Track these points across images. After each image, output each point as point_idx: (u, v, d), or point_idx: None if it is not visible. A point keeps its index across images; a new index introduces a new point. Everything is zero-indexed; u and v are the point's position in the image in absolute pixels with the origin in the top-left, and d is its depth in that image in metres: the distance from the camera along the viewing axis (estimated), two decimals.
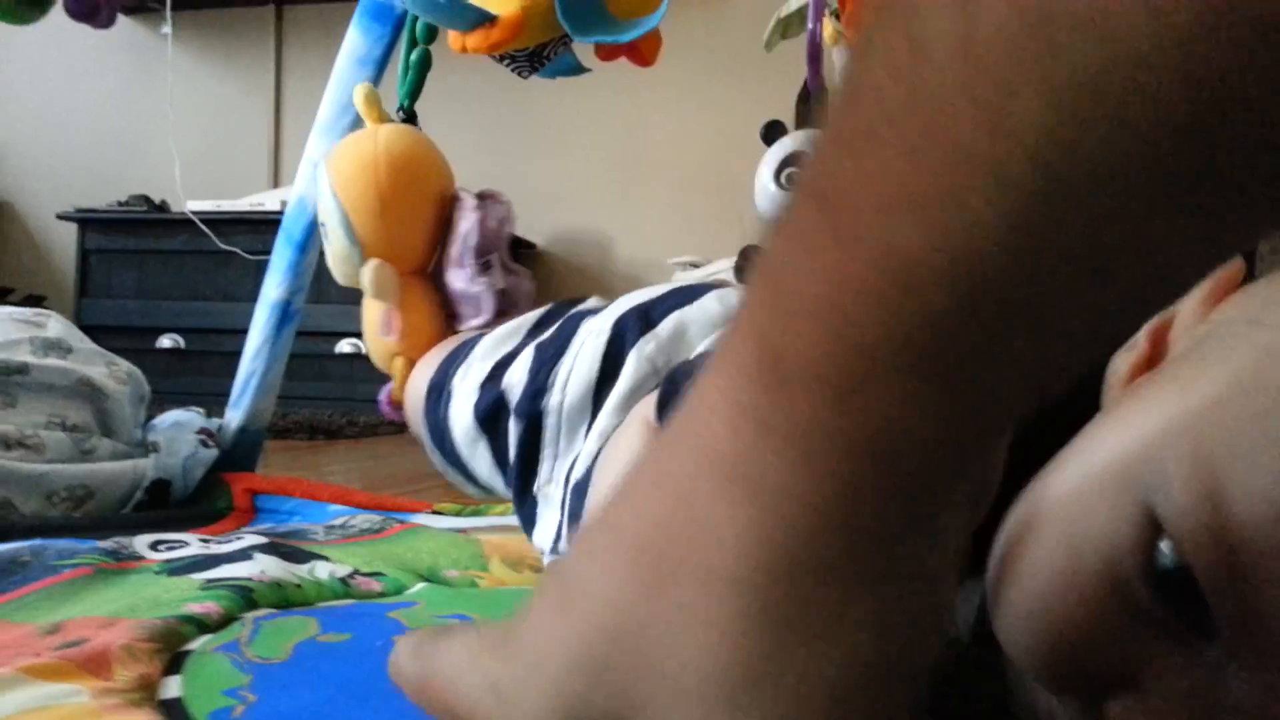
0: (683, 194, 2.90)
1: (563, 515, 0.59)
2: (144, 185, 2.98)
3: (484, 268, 0.84)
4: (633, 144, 2.96)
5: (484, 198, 0.87)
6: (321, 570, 0.71)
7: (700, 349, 0.58)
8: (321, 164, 0.88)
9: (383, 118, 0.89)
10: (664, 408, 0.45)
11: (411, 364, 0.84)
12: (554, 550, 0.60)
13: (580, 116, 2.95)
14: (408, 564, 0.76)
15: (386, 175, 0.84)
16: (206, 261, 2.81)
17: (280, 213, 2.74)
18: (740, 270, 0.89)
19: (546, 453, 0.62)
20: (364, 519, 0.91)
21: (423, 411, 0.73)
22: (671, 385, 0.46)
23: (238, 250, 2.71)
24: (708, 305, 0.61)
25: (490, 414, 0.66)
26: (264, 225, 2.72)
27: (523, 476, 0.63)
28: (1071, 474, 0.28)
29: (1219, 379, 0.25)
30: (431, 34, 0.92)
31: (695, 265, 2.45)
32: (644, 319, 0.61)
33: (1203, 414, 0.24)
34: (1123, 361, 0.32)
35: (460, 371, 0.71)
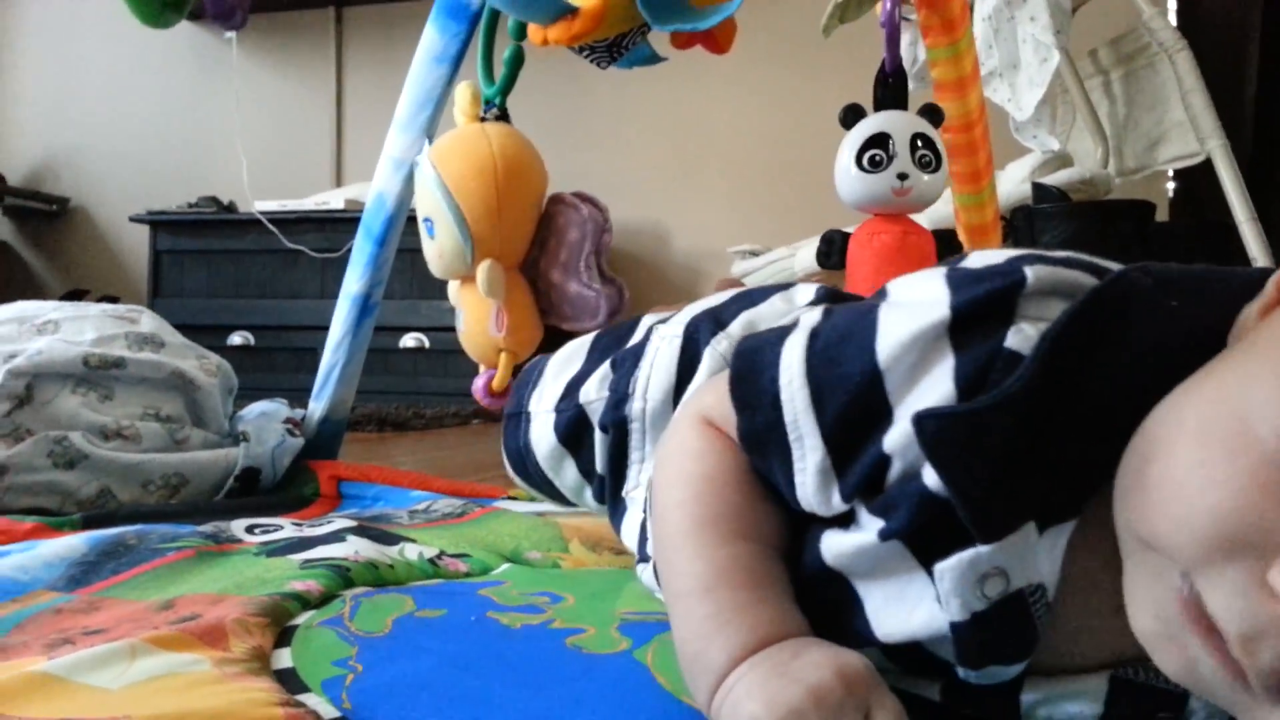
0: (740, 182, 2.90)
1: (646, 514, 0.60)
2: (212, 187, 3.06)
3: (590, 272, 0.86)
4: (688, 133, 2.96)
5: (585, 201, 0.89)
6: (410, 551, 0.74)
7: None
8: (425, 161, 0.90)
9: (479, 116, 0.91)
10: (738, 384, 0.46)
11: (515, 357, 0.87)
12: (640, 547, 0.61)
13: (635, 107, 2.96)
14: (491, 546, 0.78)
15: (504, 176, 0.87)
16: (274, 260, 2.88)
17: (345, 211, 2.81)
18: (824, 255, 0.89)
19: (634, 457, 0.63)
20: (445, 503, 0.93)
21: (503, 439, 0.75)
22: (741, 362, 0.47)
23: (304, 248, 2.77)
24: (775, 304, 0.62)
25: (572, 431, 0.67)
26: (329, 224, 2.78)
27: (614, 483, 0.64)
28: (1221, 387, 0.34)
29: None
30: (523, 30, 0.93)
31: (754, 254, 2.45)
32: (715, 320, 0.62)
33: None
34: (1253, 309, 0.37)
35: (535, 395, 0.72)
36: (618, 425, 0.63)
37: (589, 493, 0.69)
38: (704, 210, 2.94)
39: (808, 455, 0.43)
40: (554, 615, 0.60)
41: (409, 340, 2.73)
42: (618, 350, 0.68)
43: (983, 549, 0.38)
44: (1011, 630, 0.40)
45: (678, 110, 2.95)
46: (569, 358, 0.73)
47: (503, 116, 0.96)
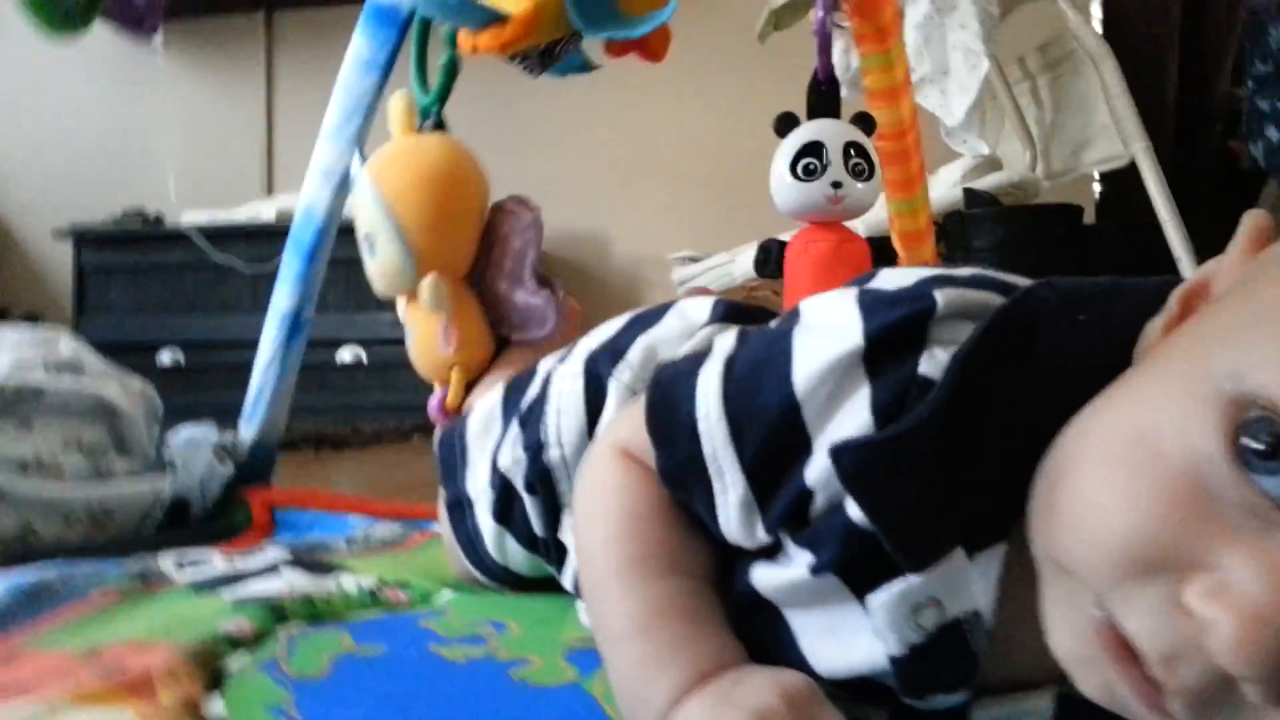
0: (679, 189, 2.90)
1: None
2: (138, 197, 2.97)
3: (535, 280, 0.85)
4: (627, 140, 2.96)
5: (522, 204, 0.87)
6: (348, 583, 0.72)
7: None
8: (362, 175, 0.88)
9: (414, 127, 0.89)
10: (655, 418, 0.45)
11: (467, 372, 0.85)
12: (573, 589, 0.60)
13: (573, 113, 2.95)
14: (432, 573, 0.76)
15: (444, 189, 0.85)
16: (204, 274, 2.81)
17: (277, 224, 2.75)
18: (761, 264, 0.89)
19: (565, 502, 0.61)
20: (384, 529, 0.91)
21: (451, 533, 0.72)
22: (657, 393, 0.46)
23: (235, 262, 2.70)
24: (671, 324, 0.61)
25: (503, 506, 0.65)
26: (261, 236, 2.71)
27: (551, 528, 0.63)
28: (1126, 405, 0.34)
29: (1274, 289, 0.31)
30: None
31: (694, 259, 2.46)
32: (613, 352, 0.61)
33: (1272, 303, 0.30)
34: (1156, 324, 0.37)
35: (469, 477, 0.70)
36: (542, 480, 0.61)
37: (543, 560, 0.66)
38: (644, 217, 2.94)
39: (729, 489, 0.42)
40: (498, 646, 0.59)
41: (345, 354, 2.68)
42: (521, 404, 0.66)
43: (914, 579, 0.38)
44: (950, 660, 0.40)
45: (616, 117, 2.94)
46: (486, 425, 0.70)
47: (439, 126, 0.94)
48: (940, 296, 0.39)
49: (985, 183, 1.97)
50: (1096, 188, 2.40)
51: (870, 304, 0.40)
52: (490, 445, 0.68)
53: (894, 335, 0.39)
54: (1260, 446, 0.29)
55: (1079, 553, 0.33)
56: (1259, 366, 0.29)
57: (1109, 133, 1.87)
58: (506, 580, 0.71)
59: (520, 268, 0.86)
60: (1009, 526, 0.38)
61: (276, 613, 0.64)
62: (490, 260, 0.88)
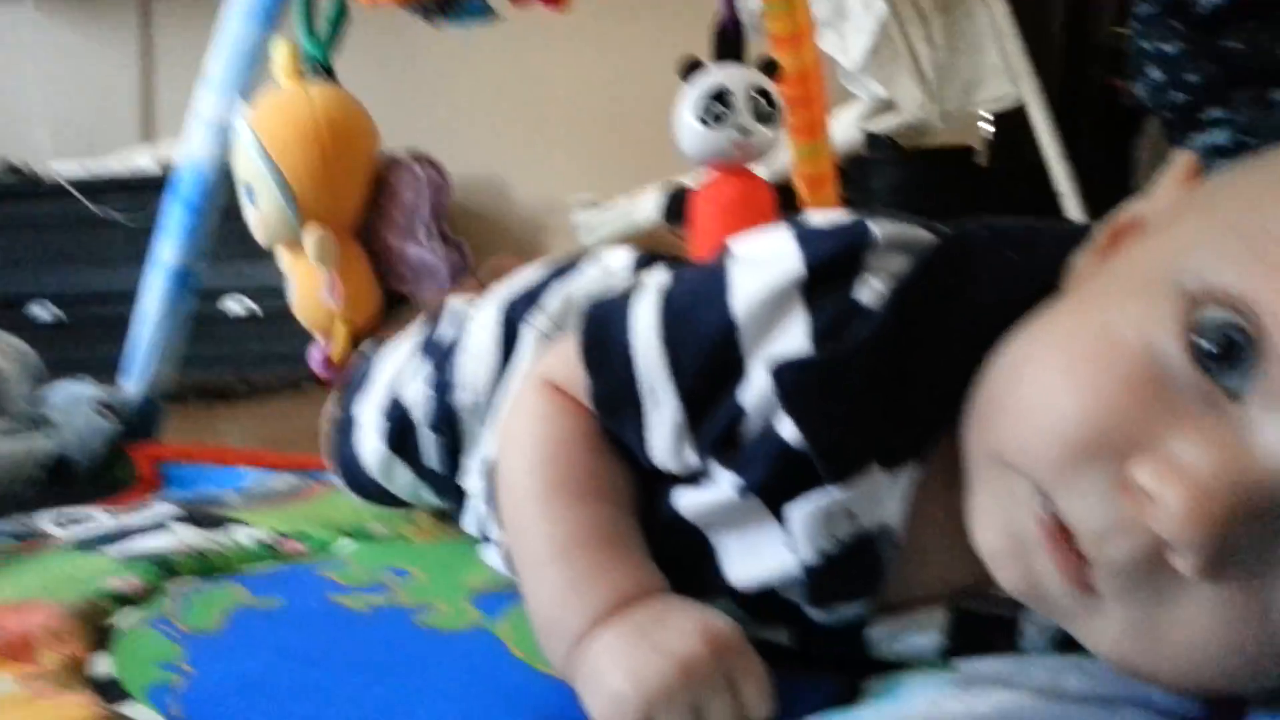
0: (579, 133, 2.86)
1: (483, 501, 0.59)
2: (5, 148, 2.80)
3: (429, 235, 0.83)
4: (525, 84, 2.90)
5: (420, 160, 0.85)
6: (242, 535, 0.70)
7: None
8: (242, 123, 0.84)
9: (301, 75, 0.86)
10: (589, 346, 0.45)
11: (353, 326, 0.83)
12: (476, 531, 0.60)
13: (469, 59, 2.87)
14: (331, 522, 0.75)
15: (329, 139, 0.82)
16: (80, 227, 2.66)
17: (156, 172, 2.63)
18: (669, 210, 0.89)
19: (469, 446, 0.61)
20: (280, 481, 0.88)
21: (332, 447, 0.71)
22: (590, 324, 0.46)
23: (113, 214, 2.58)
24: (589, 273, 0.61)
25: (398, 435, 0.64)
26: (140, 187, 2.58)
27: (453, 472, 0.62)
28: (1081, 307, 0.36)
29: (1232, 206, 0.34)
30: None
31: (596, 204, 2.44)
32: (530, 299, 0.61)
33: (1236, 218, 0.32)
34: (1084, 255, 0.39)
35: (362, 400, 0.69)
36: (448, 420, 0.61)
37: (426, 492, 0.66)
38: (544, 162, 2.90)
39: (663, 414, 0.43)
40: (401, 593, 0.58)
41: (233, 304, 2.59)
42: (434, 342, 0.65)
43: (833, 491, 0.39)
44: (859, 569, 0.41)
45: (514, 61, 2.88)
46: (399, 356, 0.69)
47: (327, 74, 0.90)
48: (876, 228, 0.41)
49: (881, 125, 2.00)
50: (988, 129, 2.46)
51: (807, 235, 0.42)
52: (395, 375, 0.67)
53: (832, 263, 0.40)
54: (1212, 347, 0.31)
55: (1030, 440, 0.34)
56: (1222, 263, 0.31)
57: (998, 72, 1.91)
58: (381, 500, 0.70)
59: (412, 222, 0.84)
60: (924, 448, 0.40)
61: (167, 568, 0.62)
62: (380, 213, 0.85)
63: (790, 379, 0.39)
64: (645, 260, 0.61)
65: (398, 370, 0.68)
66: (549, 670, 0.44)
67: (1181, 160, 0.39)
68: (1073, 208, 1.78)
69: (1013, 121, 2.04)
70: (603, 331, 0.45)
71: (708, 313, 0.42)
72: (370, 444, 0.66)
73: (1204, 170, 0.39)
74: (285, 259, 0.90)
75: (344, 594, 0.58)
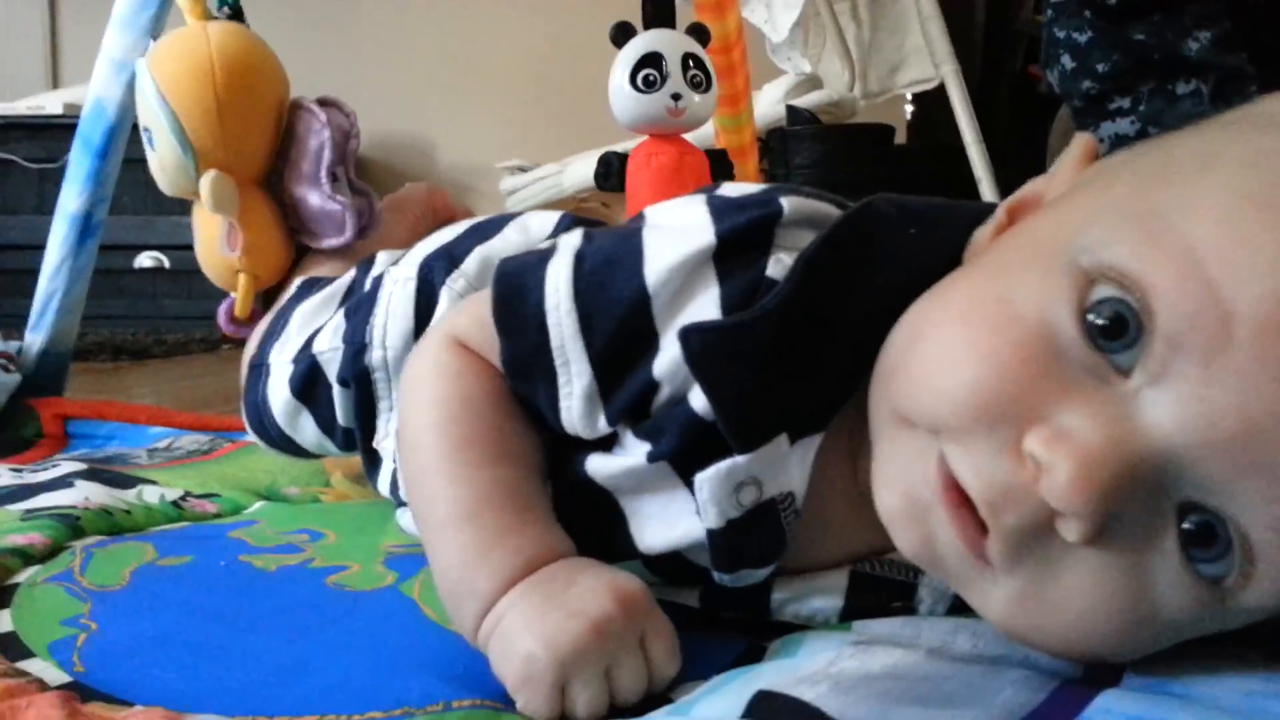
0: (508, 95, 2.83)
1: (395, 464, 0.58)
2: None
3: (335, 183, 0.80)
4: (453, 42, 2.85)
5: (328, 106, 0.82)
6: (150, 494, 0.69)
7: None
8: (140, 64, 0.81)
9: (206, 14, 0.82)
10: (502, 307, 0.45)
11: (258, 280, 0.80)
12: (394, 494, 0.60)
13: (394, 10, 2.81)
14: (243, 483, 0.74)
15: (223, 79, 0.78)
16: None
17: (63, 117, 2.52)
18: (602, 177, 0.88)
19: (382, 407, 0.61)
20: (190, 440, 0.87)
21: (244, 392, 0.71)
22: (504, 285, 0.45)
23: (17, 159, 2.46)
24: (509, 236, 0.61)
25: (306, 384, 0.64)
26: (45, 130, 2.48)
27: (364, 436, 0.62)
28: (982, 277, 0.37)
29: (1125, 188, 0.35)
30: None
31: (523, 169, 2.42)
32: (448, 258, 0.60)
33: (1129, 200, 0.34)
34: (985, 229, 0.41)
35: (277, 346, 0.68)
36: (359, 377, 0.60)
37: (331, 445, 0.66)
38: (470, 123, 2.85)
39: (574, 380, 0.43)
40: (313, 554, 0.58)
41: (145, 259, 2.50)
42: (353, 294, 0.65)
43: (739, 459, 0.40)
44: (762, 535, 0.42)
45: (441, 16, 2.82)
46: (319, 307, 0.69)
47: (236, 16, 0.87)
48: (786, 203, 0.41)
49: (806, 101, 2.01)
50: (909, 108, 2.50)
51: (720, 207, 0.43)
52: (314, 325, 0.67)
53: (743, 236, 0.41)
54: (1103, 323, 0.32)
55: (931, 402, 0.35)
56: (1114, 242, 0.33)
57: (921, 55, 1.94)
58: (286, 449, 0.69)
59: (317, 170, 0.82)
60: (828, 419, 0.42)
61: (73, 526, 0.61)
62: (287, 161, 0.83)
63: (698, 341, 0.40)
64: (569, 223, 0.61)
65: (314, 318, 0.68)
66: (458, 631, 0.45)
67: (1080, 142, 0.41)
68: (988, 190, 1.83)
69: (933, 103, 2.08)
70: (517, 292, 0.44)
71: (622, 280, 0.42)
72: (278, 390, 0.66)
73: (1103, 154, 0.41)
74: (193, 211, 0.87)
75: (254, 554, 0.58)
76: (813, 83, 2.08)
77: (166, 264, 2.51)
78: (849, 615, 0.44)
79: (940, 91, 1.92)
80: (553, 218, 0.62)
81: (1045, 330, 0.33)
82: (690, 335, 0.40)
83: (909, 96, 2.36)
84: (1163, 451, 0.31)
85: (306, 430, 0.66)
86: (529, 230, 0.62)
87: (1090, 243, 0.33)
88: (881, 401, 0.39)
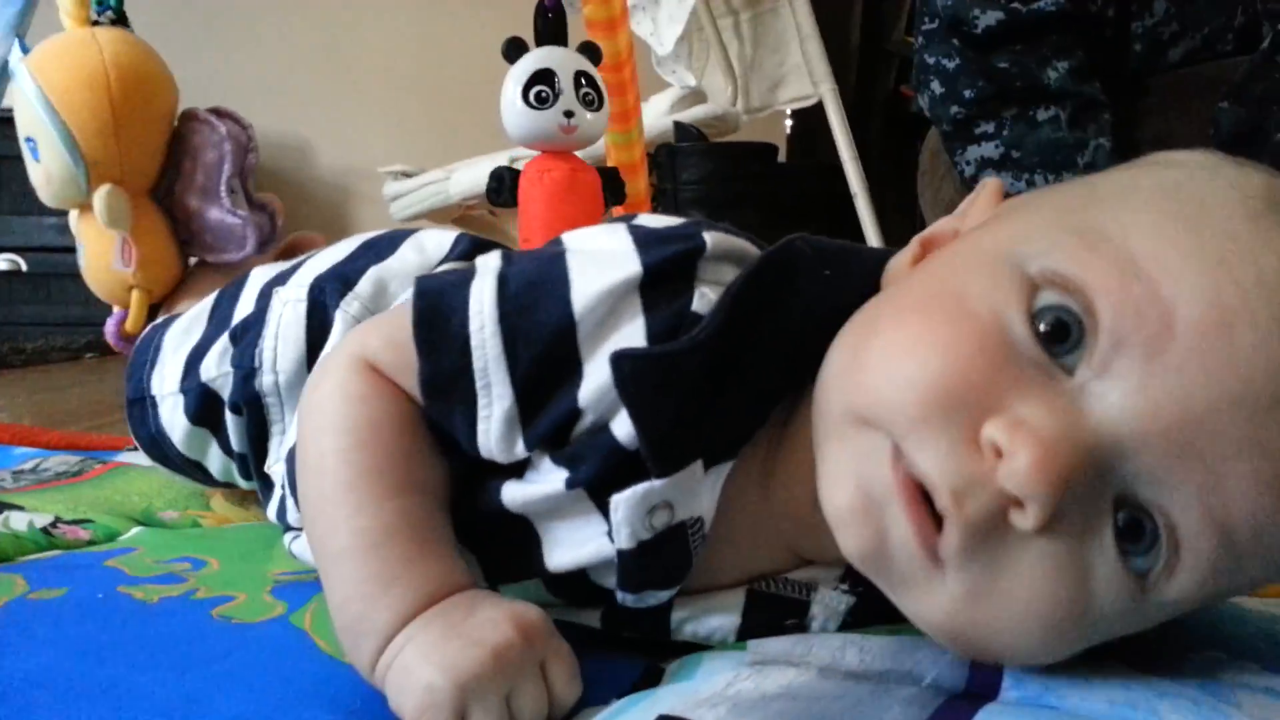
0: (392, 99, 2.77)
1: (284, 490, 0.57)
2: None
3: (233, 196, 0.78)
4: (334, 42, 2.78)
5: (223, 117, 0.80)
6: (17, 521, 0.65)
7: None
8: (22, 70, 0.77)
9: (89, 19, 0.79)
10: (423, 327, 0.44)
11: (150, 295, 0.77)
12: (280, 520, 0.58)
13: (275, 9, 2.73)
14: (118, 507, 0.71)
15: (119, 89, 0.75)
16: None
17: None
18: (494, 192, 0.88)
19: (274, 430, 0.59)
20: (58, 461, 0.83)
21: (133, 428, 0.69)
22: (425, 304, 0.44)
23: None
24: (405, 256, 0.60)
25: (204, 410, 0.63)
26: None
27: (256, 461, 0.61)
28: (943, 274, 0.40)
29: (1053, 209, 0.39)
30: None
31: (408, 174, 2.37)
32: (341, 280, 0.59)
33: (1067, 218, 0.37)
34: (903, 258, 0.44)
35: (155, 376, 0.66)
36: (251, 403, 0.59)
37: (236, 474, 0.65)
38: (353, 126, 2.79)
39: (495, 403, 0.43)
40: (197, 584, 0.56)
41: (0, 262, 2.36)
42: (233, 316, 0.63)
43: (656, 483, 0.41)
44: (670, 557, 0.43)
45: (326, 20, 2.75)
46: (188, 327, 0.67)
47: (120, 20, 0.84)
48: (709, 238, 0.43)
49: (691, 114, 2.05)
50: (789, 124, 2.57)
51: (644, 238, 0.44)
52: (188, 347, 0.65)
53: (669, 269, 0.42)
54: (1046, 329, 0.35)
55: (887, 393, 0.36)
56: (1056, 250, 0.36)
57: (801, 72, 2.00)
58: (195, 474, 0.69)
59: (214, 183, 0.80)
60: (740, 447, 0.43)
61: None
62: (180, 173, 0.80)
63: (629, 367, 0.40)
64: (467, 244, 0.60)
65: (185, 338, 0.66)
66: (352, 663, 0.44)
67: (987, 184, 0.44)
68: (864, 205, 1.89)
69: (811, 119, 2.14)
70: (438, 313, 0.44)
71: (548, 305, 0.42)
72: (175, 420, 0.65)
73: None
74: (74, 220, 0.83)
75: (133, 585, 0.55)
76: (697, 96, 2.11)
77: (23, 266, 2.37)
78: (745, 634, 0.46)
79: (818, 108, 1.98)
80: (449, 237, 0.62)
81: (999, 325, 0.36)
82: (622, 361, 0.40)
83: (789, 112, 2.42)
84: (1109, 440, 0.34)
85: (214, 458, 0.65)
86: (425, 250, 0.61)
87: (1033, 251, 0.36)
88: (833, 404, 0.40)
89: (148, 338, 0.70)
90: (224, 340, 0.62)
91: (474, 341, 0.43)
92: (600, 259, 0.43)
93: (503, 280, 0.44)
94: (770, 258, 0.43)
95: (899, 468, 0.36)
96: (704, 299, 0.42)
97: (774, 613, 0.46)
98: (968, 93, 1.22)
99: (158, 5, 2.51)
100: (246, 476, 0.64)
